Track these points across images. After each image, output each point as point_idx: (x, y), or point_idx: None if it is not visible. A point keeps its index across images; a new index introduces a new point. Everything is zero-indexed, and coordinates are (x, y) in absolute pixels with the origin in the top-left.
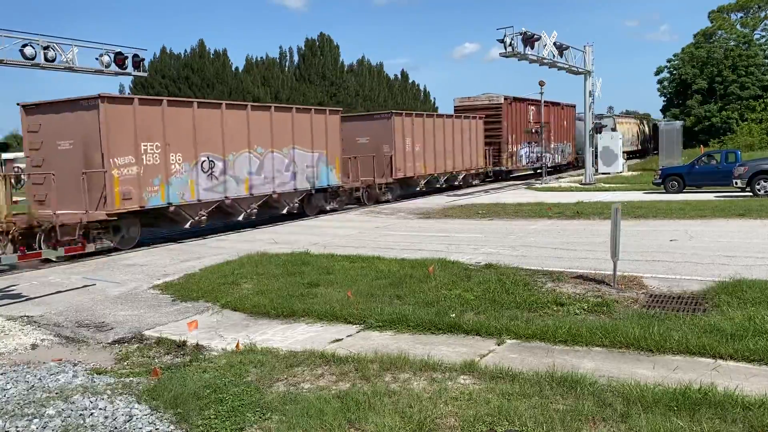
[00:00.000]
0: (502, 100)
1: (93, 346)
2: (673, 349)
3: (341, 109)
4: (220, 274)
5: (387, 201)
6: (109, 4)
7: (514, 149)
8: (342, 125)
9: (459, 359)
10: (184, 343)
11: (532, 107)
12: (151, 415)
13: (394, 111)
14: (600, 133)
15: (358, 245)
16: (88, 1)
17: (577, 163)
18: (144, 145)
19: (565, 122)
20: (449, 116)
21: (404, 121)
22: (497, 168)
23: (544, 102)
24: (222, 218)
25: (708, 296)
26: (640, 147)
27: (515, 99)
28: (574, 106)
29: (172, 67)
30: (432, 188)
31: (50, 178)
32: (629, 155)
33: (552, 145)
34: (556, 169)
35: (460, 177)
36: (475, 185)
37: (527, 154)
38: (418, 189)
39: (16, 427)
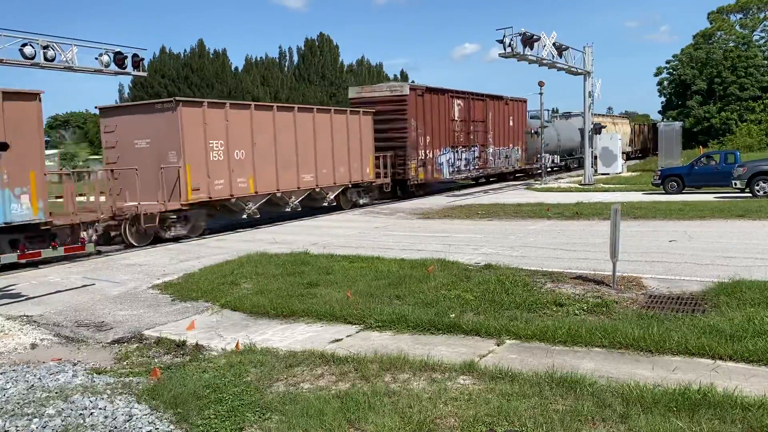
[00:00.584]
0: (407, 91)
1: (92, 345)
2: (673, 350)
3: (41, 91)
4: (220, 273)
5: (175, 239)
6: (108, 4)
7: (429, 155)
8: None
9: (458, 359)
10: (183, 342)
11: (459, 101)
12: (151, 414)
13: (183, 99)
14: (600, 134)
15: (357, 245)
16: (88, 1)
17: (531, 171)
18: None
19: (511, 121)
20: (304, 109)
21: (207, 114)
22: (401, 180)
23: (479, 95)
24: None
25: (707, 297)
26: (635, 149)
27: (430, 89)
28: (525, 101)
29: (172, 67)
30: (278, 214)
31: None
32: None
33: (491, 150)
34: (500, 179)
35: (331, 195)
36: (364, 205)
37: (451, 161)
38: (245, 216)
39: (16, 426)
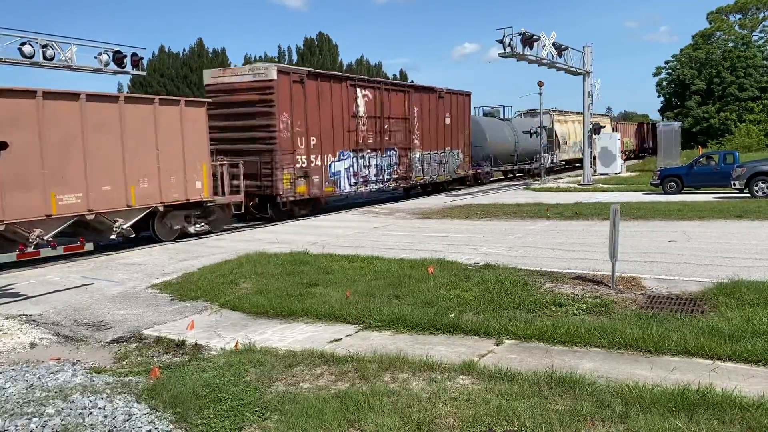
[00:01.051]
0: (275, 75)
1: (92, 345)
2: (672, 350)
3: None
4: (219, 273)
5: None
6: (108, 3)
7: (316, 162)
8: None
9: (458, 359)
10: (183, 342)
11: (365, 91)
12: (150, 414)
13: None
14: (598, 134)
15: (356, 245)
16: (87, 0)
17: (476, 179)
18: None
19: (447, 118)
20: (61, 96)
21: None
22: (270, 196)
23: (399, 85)
24: None
25: (706, 297)
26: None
27: (315, 74)
28: (467, 95)
29: (171, 66)
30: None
31: None
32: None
33: (417, 155)
34: (435, 189)
35: (125, 223)
36: (198, 234)
37: (353, 169)
38: None
39: (16, 426)
